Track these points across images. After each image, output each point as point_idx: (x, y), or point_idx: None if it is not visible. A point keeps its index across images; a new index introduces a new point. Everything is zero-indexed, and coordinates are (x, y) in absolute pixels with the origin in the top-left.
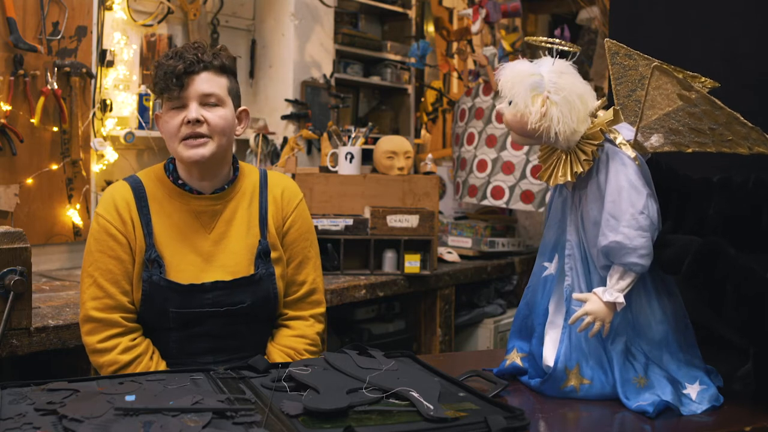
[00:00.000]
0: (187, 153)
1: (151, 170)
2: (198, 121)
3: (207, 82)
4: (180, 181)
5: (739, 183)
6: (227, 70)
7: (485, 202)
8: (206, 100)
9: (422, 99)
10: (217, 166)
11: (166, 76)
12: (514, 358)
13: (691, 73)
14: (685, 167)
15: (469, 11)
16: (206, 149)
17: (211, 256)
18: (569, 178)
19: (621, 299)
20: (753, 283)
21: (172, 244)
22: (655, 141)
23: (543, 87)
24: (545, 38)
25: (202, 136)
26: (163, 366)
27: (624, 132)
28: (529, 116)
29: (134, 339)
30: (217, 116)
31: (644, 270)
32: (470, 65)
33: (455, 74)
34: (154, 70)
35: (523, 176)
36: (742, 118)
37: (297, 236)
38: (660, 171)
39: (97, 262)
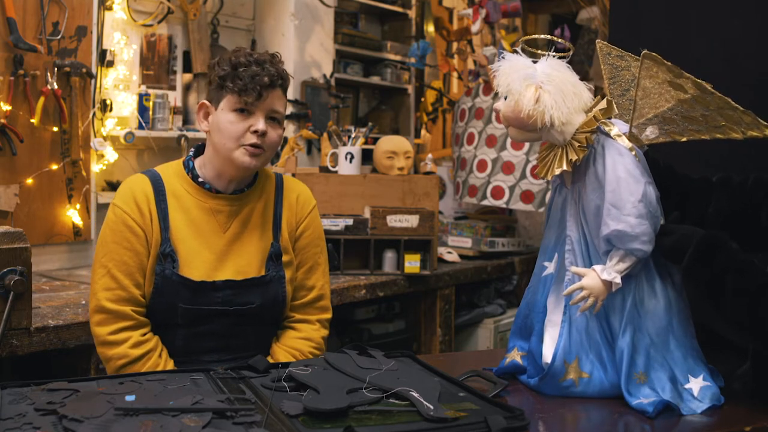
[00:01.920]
0: (245, 159)
1: (169, 166)
2: (264, 134)
3: (279, 100)
4: (200, 179)
5: (738, 182)
6: (286, 92)
7: (485, 202)
8: (272, 116)
9: (422, 99)
10: (252, 173)
11: (252, 82)
12: (515, 356)
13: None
14: (684, 167)
15: (469, 11)
16: (259, 161)
17: (224, 255)
18: (565, 167)
19: (618, 280)
20: (753, 277)
21: (187, 239)
22: (650, 133)
23: (536, 77)
24: (540, 36)
25: (261, 147)
26: (171, 364)
27: (619, 125)
28: (523, 104)
29: (144, 334)
30: (276, 133)
31: (645, 255)
32: (470, 65)
33: (455, 74)
34: (227, 66)
35: (523, 176)
36: (733, 103)
37: (309, 241)
38: (658, 171)
39: (112, 253)
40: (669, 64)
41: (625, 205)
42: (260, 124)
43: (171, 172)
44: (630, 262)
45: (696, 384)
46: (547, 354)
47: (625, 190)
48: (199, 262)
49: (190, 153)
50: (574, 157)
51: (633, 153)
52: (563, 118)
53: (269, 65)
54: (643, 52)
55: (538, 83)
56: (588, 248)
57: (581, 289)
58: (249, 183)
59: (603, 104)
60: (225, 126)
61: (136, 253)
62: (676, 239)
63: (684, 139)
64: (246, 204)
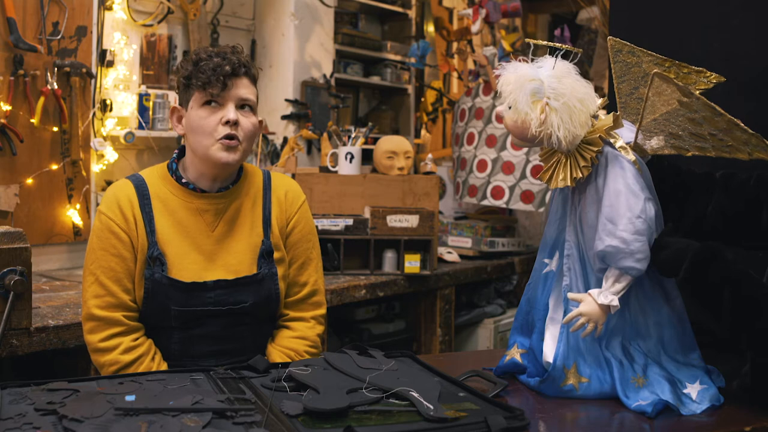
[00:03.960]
0: (222, 155)
1: (154, 169)
2: (235, 123)
3: (246, 88)
4: (183, 180)
5: (741, 180)
6: (256, 81)
7: (485, 202)
8: (242, 104)
9: (422, 99)
10: (233, 169)
11: (214, 73)
12: (514, 354)
13: (696, 68)
14: (687, 162)
15: (469, 11)
16: (237, 154)
17: (214, 255)
18: (569, 183)
19: (616, 302)
20: (748, 289)
21: (174, 242)
22: (655, 144)
23: (542, 93)
24: (546, 42)
25: (236, 138)
26: (164, 367)
27: (624, 133)
28: (529, 123)
29: (136, 339)
30: (250, 122)
31: (640, 273)
32: (470, 65)
33: (455, 74)
34: (190, 65)
35: (523, 176)
36: (742, 125)
37: (300, 237)
38: (662, 166)
39: (99, 260)
40: (679, 84)
41: (621, 220)
42: (231, 114)
43: (155, 175)
44: (626, 281)
45: (693, 389)
46: (548, 352)
47: (623, 205)
48: (188, 263)
49: (174, 155)
50: (578, 174)
51: (636, 166)
52: (570, 137)
53: (230, 55)
54: (654, 71)
55: (545, 100)
56: (586, 254)
57: (580, 315)
58: (233, 180)
59: (609, 121)
60: (197, 123)
61: (122, 259)
62: (670, 254)
63: (689, 154)
64: (232, 201)
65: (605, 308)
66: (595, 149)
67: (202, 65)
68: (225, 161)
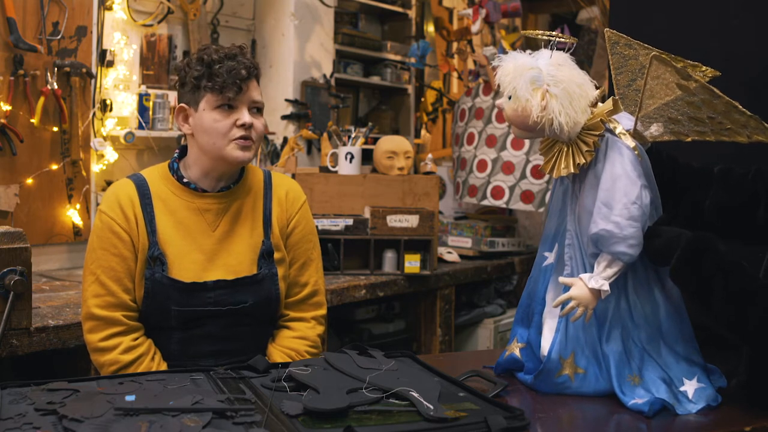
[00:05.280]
0: (238, 153)
1: (155, 169)
2: (250, 126)
3: (256, 90)
4: (185, 180)
5: (739, 174)
6: (259, 82)
7: (485, 202)
8: (253, 107)
9: (422, 99)
10: (238, 169)
11: (230, 77)
12: (514, 348)
13: (691, 62)
14: (686, 156)
15: (469, 11)
16: (251, 153)
17: (215, 255)
18: (572, 170)
19: (606, 287)
20: (740, 280)
21: (175, 241)
22: (654, 130)
23: (542, 80)
24: (542, 31)
25: (250, 139)
26: (164, 367)
27: (624, 121)
28: (530, 110)
29: (136, 339)
30: (260, 123)
31: (632, 260)
32: (470, 65)
33: (455, 74)
34: (201, 66)
35: (523, 176)
36: (740, 107)
37: (300, 237)
38: (660, 160)
39: (100, 260)
40: (678, 66)
41: (617, 205)
42: (245, 117)
43: (156, 174)
44: (617, 267)
45: (690, 386)
46: (545, 346)
47: (619, 190)
48: (188, 263)
49: (175, 155)
50: (581, 160)
51: (636, 152)
52: (571, 123)
53: (241, 57)
54: (652, 54)
55: (544, 87)
56: (582, 242)
57: (570, 299)
58: (235, 180)
59: (609, 105)
60: (210, 125)
61: (123, 259)
62: (662, 242)
63: (689, 139)
64: (234, 201)
65: (596, 293)
66: (597, 133)
67: (217, 68)
68: (241, 159)
